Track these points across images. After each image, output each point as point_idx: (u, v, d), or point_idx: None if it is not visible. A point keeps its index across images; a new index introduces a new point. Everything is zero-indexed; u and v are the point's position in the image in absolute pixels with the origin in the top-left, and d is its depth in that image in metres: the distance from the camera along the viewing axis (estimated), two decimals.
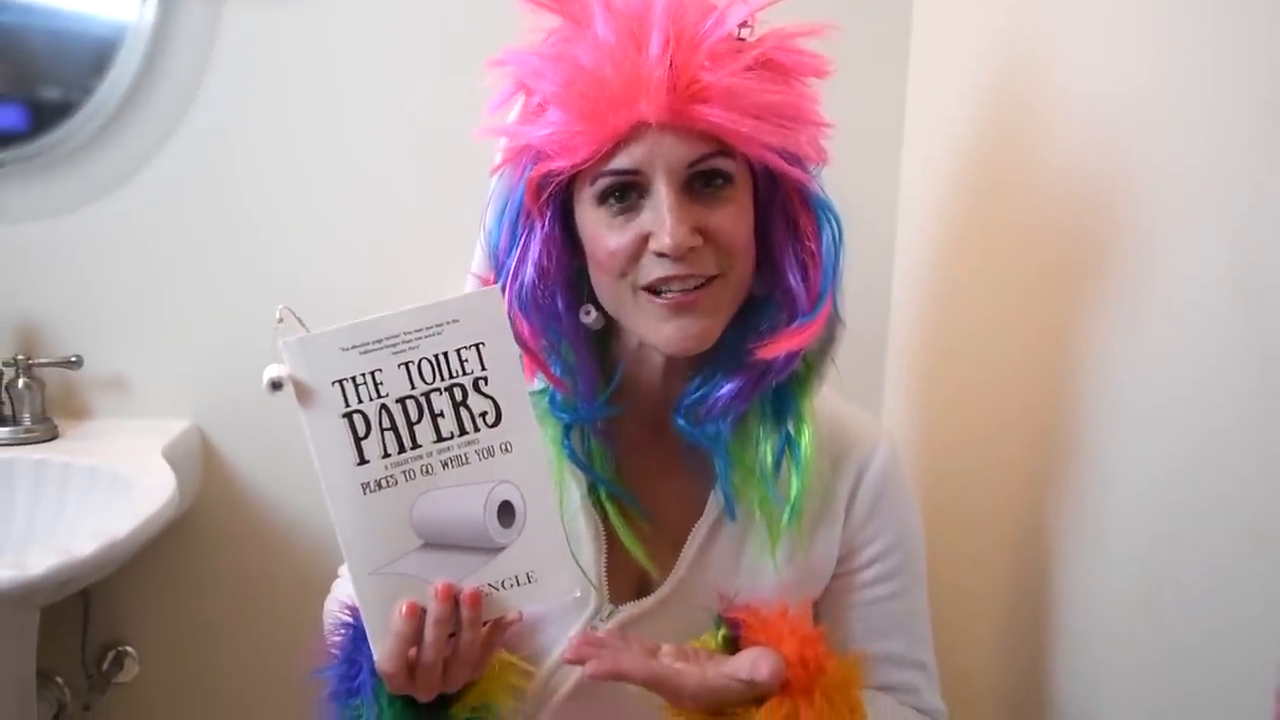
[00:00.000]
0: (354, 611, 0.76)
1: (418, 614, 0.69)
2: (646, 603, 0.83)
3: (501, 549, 0.70)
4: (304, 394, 0.67)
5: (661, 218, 0.71)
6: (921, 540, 0.90)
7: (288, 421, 1.38)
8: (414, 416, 0.68)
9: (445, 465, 0.69)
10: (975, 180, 1.13)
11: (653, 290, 0.74)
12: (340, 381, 0.67)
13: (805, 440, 0.81)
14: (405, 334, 0.67)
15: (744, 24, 0.73)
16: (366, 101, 1.28)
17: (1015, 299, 1.04)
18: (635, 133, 0.71)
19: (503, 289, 0.79)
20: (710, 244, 0.73)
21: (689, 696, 0.72)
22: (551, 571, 0.72)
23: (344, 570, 0.97)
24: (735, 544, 0.84)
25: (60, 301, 1.31)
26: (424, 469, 0.69)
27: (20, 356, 1.27)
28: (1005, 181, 1.06)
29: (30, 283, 1.30)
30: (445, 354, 0.68)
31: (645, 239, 0.73)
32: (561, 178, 0.75)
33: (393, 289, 1.30)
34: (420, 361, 0.68)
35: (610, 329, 0.83)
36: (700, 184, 0.73)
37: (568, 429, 0.83)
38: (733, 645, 0.77)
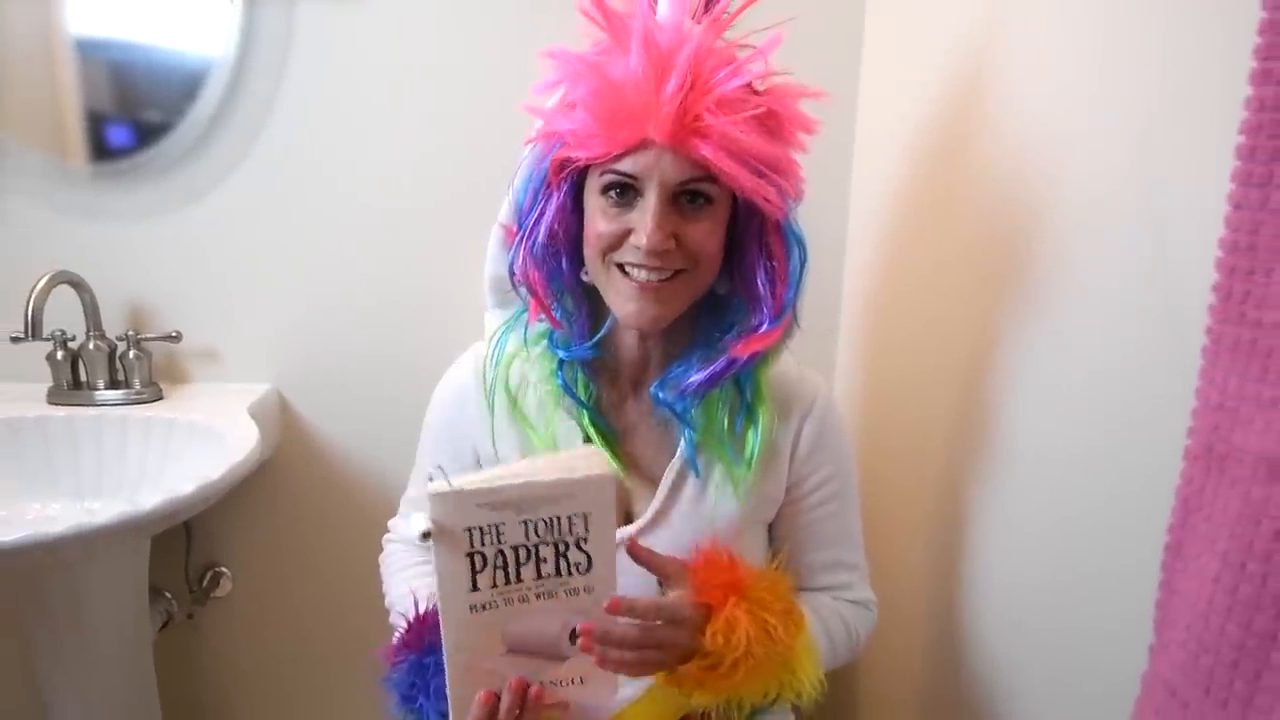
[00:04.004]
0: (417, 640, 0.80)
1: (493, 701, 0.72)
2: (630, 528, 0.85)
3: (565, 659, 0.73)
4: (440, 534, 0.67)
5: (645, 221, 0.72)
6: (854, 466, 0.92)
7: (351, 385, 1.41)
8: (522, 559, 0.69)
9: (538, 596, 0.71)
10: (917, 190, 1.13)
11: (625, 272, 0.75)
12: (470, 528, 0.67)
13: (762, 410, 0.83)
14: (531, 500, 0.68)
15: (758, 77, 0.73)
16: (416, 114, 1.28)
17: (948, 289, 1.04)
18: (641, 146, 0.72)
19: (519, 241, 0.81)
20: (681, 249, 0.74)
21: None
22: (598, 678, 0.74)
23: (392, 524, 1.00)
24: (701, 481, 0.86)
25: (163, 286, 1.32)
26: (520, 598, 0.71)
27: (130, 332, 1.29)
28: (942, 190, 1.06)
29: (137, 271, 1.31)
30: (558, 517, 0.69)
31: (629, 232, 0.74)
32: (578, 164, 0.76)
33: (443, 273, 1.33)
34: (538, 521, 0.68)
35: None
36: (686, 199, 0.74)
37: (561, 363, 0.84)
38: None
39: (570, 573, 0.71)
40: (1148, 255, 0.68)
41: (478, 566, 0.68)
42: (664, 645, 0.73)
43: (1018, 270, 0.87)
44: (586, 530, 0.70)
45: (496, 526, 0.67)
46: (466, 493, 0.66)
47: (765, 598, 0.75)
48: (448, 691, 0.73)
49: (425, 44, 1.26)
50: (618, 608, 0.70)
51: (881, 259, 1.24)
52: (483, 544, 0.68)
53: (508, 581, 0.70)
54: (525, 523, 0.68)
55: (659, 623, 0.73)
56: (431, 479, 0.66)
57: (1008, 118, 0.90)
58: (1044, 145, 0.83)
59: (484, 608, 0.70)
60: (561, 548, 0.70)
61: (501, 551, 0.68)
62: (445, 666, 0.72)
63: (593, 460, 0.71)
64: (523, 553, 0.69)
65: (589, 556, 0.71)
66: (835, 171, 1.33)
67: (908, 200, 1.15)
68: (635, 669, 0.73)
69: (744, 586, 0.75)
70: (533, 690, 0.72)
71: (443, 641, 0.71)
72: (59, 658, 1.15)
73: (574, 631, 0.72)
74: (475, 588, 0.69)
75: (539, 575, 0.70)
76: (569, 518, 0.69)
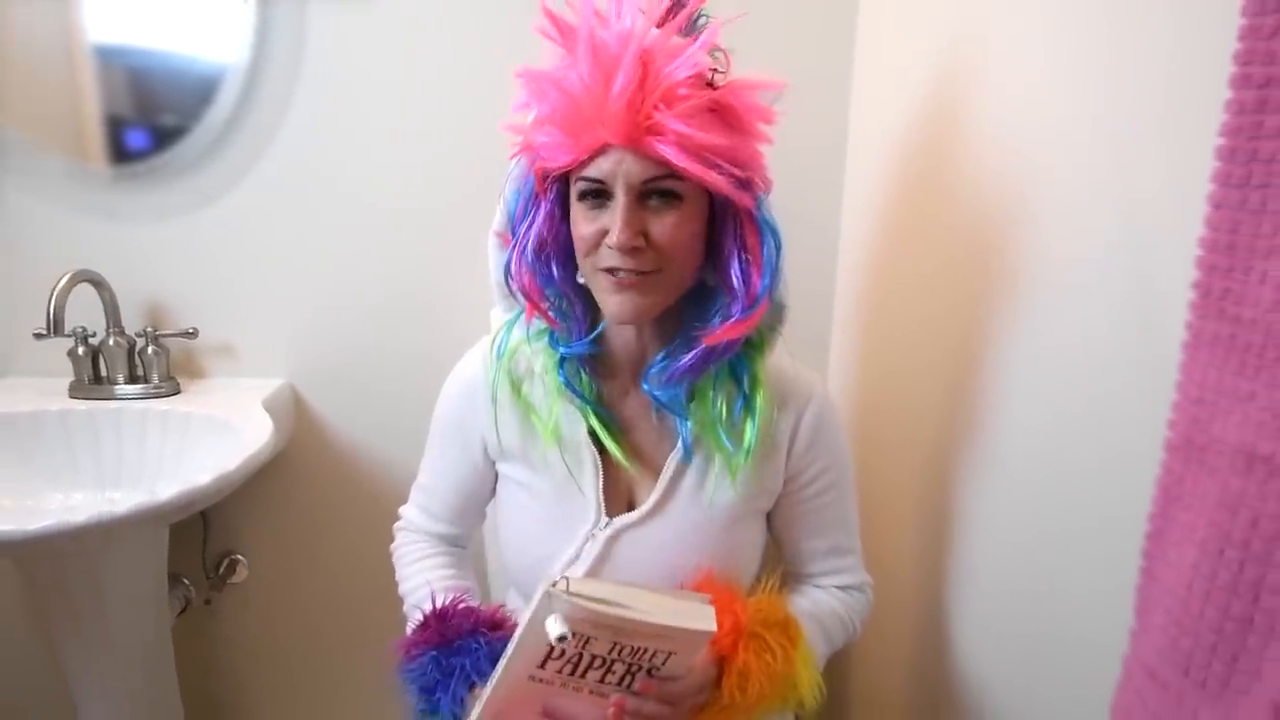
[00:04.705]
0: (438, 636, 0.81)
1: None
2: (633, 515, 0.85)
3: None
4: (537, 618, 0.67)
5: (615, 221, 0.73)
6: (849, 458, 0.92)
7: (362, 379, 1.41)
8: (595, 665, 0.70)
9: (591, 693, 0.72)
10: (907, 191, 1.12)
11: (608, 271, 0.76)
12: (566, 634, 0.66)
13: (760, 398, 0.83)
14: (633, 631, 0.67)
15: (715, 70, 0.72)
16: (424, 117, 1.28)
17: (937, 288, 1.04)
18: (604, 150, 0.72)
19: (513, 249, 0.81)
20: (652, 245, 0.74)
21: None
22: None
23: (403, 511, 1.00)
24: (701, 471, 0.86)
25: (180, 285, 1.32)
26: (575, 688, 0.72)
27: (149, 329, 1.29)
28: (931, 192, 1.06)
29: (155, 270, 1.31)
30: (647, 649, 0.69)
31: (605, 233, 0.74)
32: (557, 173, 0.76)
33: (449, 271, 1.33)
34: (628, 646, 0.69)
35: None
36: (655, 197, 0.74)
37: (562, 360, 0.84)
38: None
39: (629, 687, 0.72)
40: (1130, 253, 0.68)
41: (554, 654, 0.69)
42: (688, 709, 0.75)
43: (1005, 269, 0.87)
44: (663, 664, 0.71)
45: (590, 637, 0.67)
46: (580, 606, 0.65)
47: (761, 632, 0.78)
48: (476, 711, 0.74)
49: (432, 47, 1.25)
50: (649, 690, 0.72)
51: (873, 259, 1.23)
52: (568, 641, 0.67)
53: (573, 674, 0.70)
54: (617, 643, 0.68)
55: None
56: (554, 585, 0.66)
57: (995, 120, 0.90)
58: (1030, 147, 0.83)
59: (541, 681, 0.71)
60: (635, 669, 0.71)
61: (581, 654, 0.69)
62: (484, 694, 0.73)
63: (702, 612, 0.71)
64: (598, 661, 0.70)
65: (652, 679, 0.72)
66: (829, 173, 1.32)
67: (898, 201, 1.15)
68: None
69: (748, 625, 0.77)
70: None
71: (494, 678, 0.72)
72: (82, 641, 1.15)
73: None
74: (543, 666, 0.70)
75: (601, 681, 0.71)
76: (656, 651, 0.70)
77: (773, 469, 0.87)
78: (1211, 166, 0.46)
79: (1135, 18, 0.68)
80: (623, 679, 0.71)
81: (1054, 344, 0.79)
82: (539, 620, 0.66)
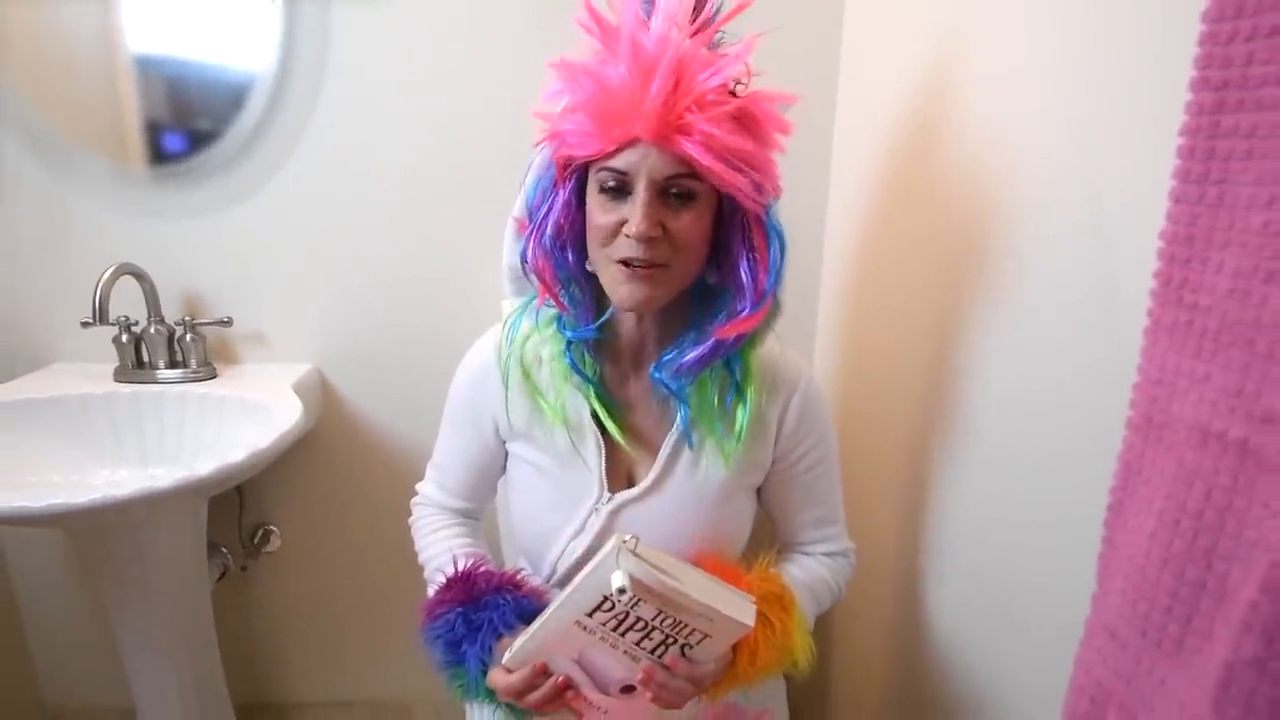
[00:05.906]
0: (464, 595, 0.81)
1: (542, 674, 0.75)
2: (633, 491, 0.85)
3: (607, 695, 0.77)
4: (601, 568, 0.67)
5: (636, 211, 0.72)
6: (834, 436, 0.91)
7: (384, 365, 1.41)
8: (637, 627, 0.70)
9: (625, 652, 0.72)
10: (887, 185, 1.12)
11: (621, 262, 0.75)
12: (625, 587, 0.66)
13: (751, 390, 0.82)
14: (679, 605, 0.68)
15: (738, 81, 0.72)
16: (439, 116, 1.26)
17: (916, 276, 1.03)
18: (631, 144, 0.71)
19: (530, 233, 0.80)
20: (668, 239, 0.73)
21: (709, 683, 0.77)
22: (621, 716, 0.79)
23: (420, 487, 0.99)
24: (696, 451, 0.85)
25: (214, 277, 1.31)
26: (612, 645, 0.72)
27: (187, 318, 1.28)
28: (910, 187, 1.05)
29: (192, 264, 1.30)
30: (687, 625, 0.70)
31: (623, 223, 0.73)
32: (579, 161, 0.75)
33: (465, 263, 1.32)
34: (673, 618, 0.69)
35: None
36: (673, 194, 0.73)
37: (569, 343, 0.84)
38: None
39: (660, 657, 0.73)
40: (1095, 245, 0.68)
41: (604, 607, 0.69)
42: (704, 686, 0.76)
43: (978, 258, 0.87)
44: (697, 644, 0.72)
45: (640, 599, 0.68)
46: (643, 567, 0.66)
47: (762, 608, 0.77)
48: (518, 642, 0.74)
49: (447, 46, 1.24)
50: (676, 667, 0.73)
51: (856, 248, 1.23)
52: (620, 599, 0.68)
53: (614, 630, 0.71)
54: (663, 611, 0.69)
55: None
56: (625, 541, 0.66)
57: (975, 115, 0.89)
58: (1001, 146, 0.82)
59: (584, 629, 0.71)
60: (670, 641, 0.71)
61: (629, 613, 0.69)
62: (531, 629, 0.74)
63: (744, 607, 0.72)
64: (640, 624, 0.70)
65: (684, 655, 0.73)
66: (815, 169, 1.32)
67: (879, 195, 1.14)
68: (678, 704, 0.76)
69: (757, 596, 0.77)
70: (570, 694, 0.76)
71: (543, 616, 0.73)
72: (129, 606, 1.16)
73: (625, 687, 0.75)
74: (591, 616, 0.70)
75: (638, 644, 0.72)
76: (694, 630, 0.70)
77: (762, 448, 0.87)
78: (1172, 164, 0.46)
79: (1106, 23, 0.67)
80: (656, 648, 0.72)
81: (1024, 328, 0.79)
82: (604, 570, 0.66)
